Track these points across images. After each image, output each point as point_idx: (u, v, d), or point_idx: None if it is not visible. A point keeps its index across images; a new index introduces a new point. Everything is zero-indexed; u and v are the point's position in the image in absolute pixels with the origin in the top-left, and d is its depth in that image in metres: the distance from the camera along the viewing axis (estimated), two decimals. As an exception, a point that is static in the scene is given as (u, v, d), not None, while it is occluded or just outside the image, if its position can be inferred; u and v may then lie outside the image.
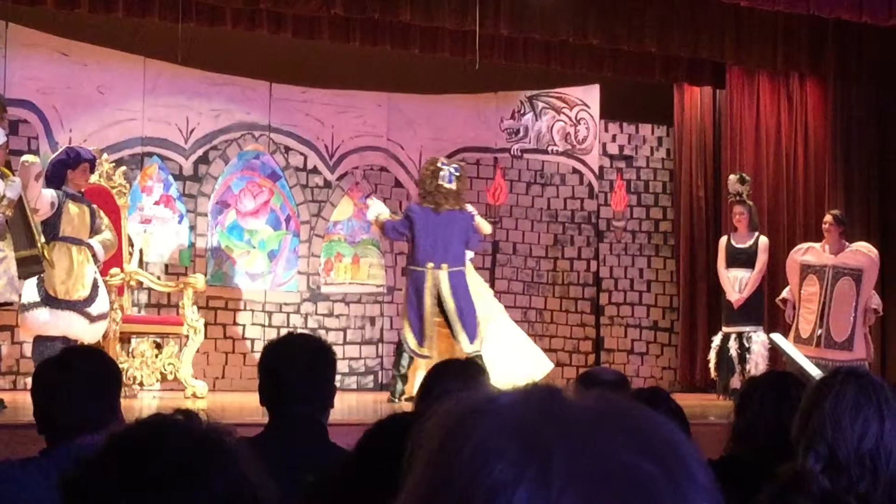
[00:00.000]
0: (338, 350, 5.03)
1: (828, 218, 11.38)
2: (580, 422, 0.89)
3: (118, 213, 10.45)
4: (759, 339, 11.39)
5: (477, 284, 10.81)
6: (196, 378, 10.59)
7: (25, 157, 9.00)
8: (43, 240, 8.86)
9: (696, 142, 13.72)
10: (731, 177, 11.93)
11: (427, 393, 3.96)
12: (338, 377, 4.00)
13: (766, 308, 11.84)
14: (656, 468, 0.87)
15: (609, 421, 0.90)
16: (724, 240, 11.87)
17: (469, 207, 10.48)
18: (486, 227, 10.78)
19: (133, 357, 10.16)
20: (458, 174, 10.28)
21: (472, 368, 4.18)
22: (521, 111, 13.59)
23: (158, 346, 10.34)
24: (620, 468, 0.87)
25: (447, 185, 10.23)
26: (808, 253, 11.31)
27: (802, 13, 11.66)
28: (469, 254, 10.62)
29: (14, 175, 8.47)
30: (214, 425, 1.56)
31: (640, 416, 0.92)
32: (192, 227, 12.12)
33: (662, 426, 0.92)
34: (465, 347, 10.03)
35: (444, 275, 10.14)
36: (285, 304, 12.50)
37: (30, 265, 8.57)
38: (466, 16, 11.23)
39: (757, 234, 11.70)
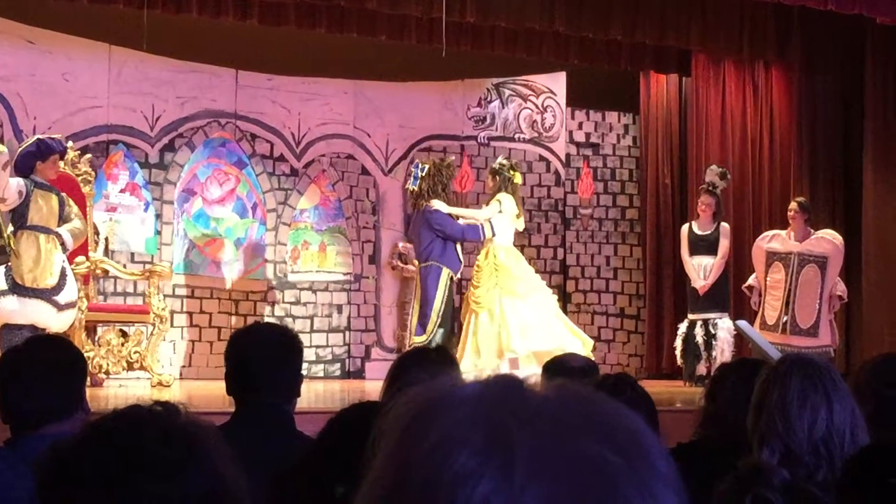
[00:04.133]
0: (305, 338, 5.01)
1: (793, 205, 11.44)
2: (543, 412, 0.90)
3: (83, 201, 10.40)
4: (724, 326, 11.45)
5: (509, 272, 10.88)
6: (162, 366, 10.55)
7: (-7, 147, 8.95)
8: (11, 229, 8.82)
9: (662, 129, 13.75)
10: (714, 168, 11.93)
11: (393, 382, 3.96)
12: (305, 365, 4.00)
13: (731, 295, 11.90)
14: (618, 458, 0.88)
15: (571, 411, 0.91)
16: (685, 227, 11.91)
17: (434, 203, 10.66)
18: (471, 212, 10.94)
19: (99, 346, 10.12)
20: (423, 173, 10.68)
21: (440, 358, 4.18)
22: (488, 99, 13.59)
23: (124, 335, 10.30)
24: (583, 458, 0.87)
25: (411, 188, 10.91)
26: (773, 240, 11.37)
27: (768, 1, 11.70)
28: (498, 237, 10.85)
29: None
30: (192, 419, 1.54)
31: (602, 406, 0.92)
32: (158, 216, 12.07)
33: (624, 416, 0.92)
34: (412, 337, 10.72)
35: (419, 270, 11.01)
36: (252, 292, 12.47)
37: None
38: (433, 3, 11.21)
39: (719, 221, 11.75)
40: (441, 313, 10.66)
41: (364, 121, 12.99)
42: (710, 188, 11.71)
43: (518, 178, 11.08)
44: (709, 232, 11.63)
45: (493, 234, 10.84)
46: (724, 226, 11.72)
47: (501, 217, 10.86)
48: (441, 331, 10.62)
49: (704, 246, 11.60)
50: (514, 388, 0.92)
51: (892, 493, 2.31)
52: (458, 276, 11.04)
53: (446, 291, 10.69)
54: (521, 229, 11.34)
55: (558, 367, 4.43)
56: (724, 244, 11.60)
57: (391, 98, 13.09)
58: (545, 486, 0.85)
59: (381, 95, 13.06)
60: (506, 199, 10.86)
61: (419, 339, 10.51)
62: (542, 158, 13.66)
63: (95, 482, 1.45)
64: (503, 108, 13.59)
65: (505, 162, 11.11)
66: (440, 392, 0.93)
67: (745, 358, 6.13)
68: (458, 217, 10.96)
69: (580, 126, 13.97)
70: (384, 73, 13.03)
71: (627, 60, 13.39)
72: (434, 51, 11.81)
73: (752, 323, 10.93)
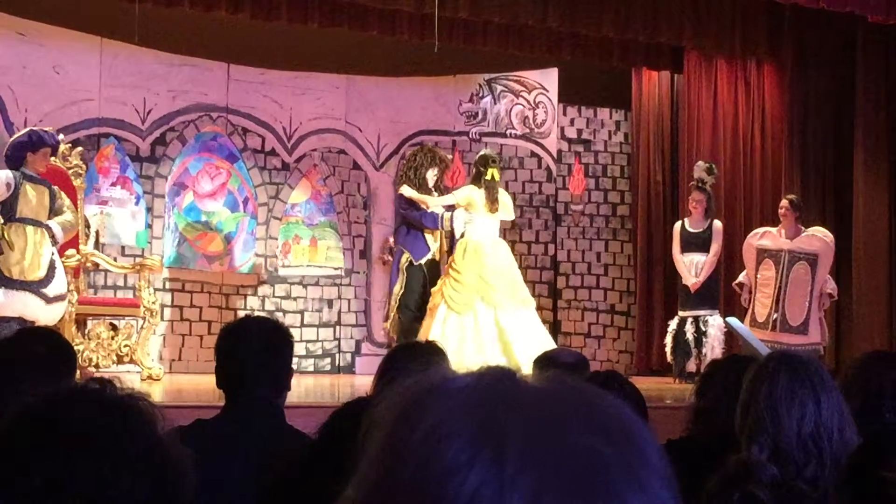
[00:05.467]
0: (295, 333, 4.99)
1: (784, 203, 11.44)
2: (535, 404, 0.89)
3: (74, 194, 10.38)
4: (715, 323, 11.44)
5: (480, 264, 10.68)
6: (152, 360, 10.53)
7: (-20, 139, 8.94)
8: (0, 221, 8.80)
9: (653, 126, 13.75)
10: (700, 163, 11.90)
11: (384, 375, 3.96)
12: (295, 360, 3.99)
13: (722, 292, 11.90)
14: (610, 450, 0.88)
15: (563, 403, 0.90)
16: (678, 225, 11.90)
17: (403, 189, 10.90)
18: (422, 198, 10.84)
19: (89, 339, 10.11)
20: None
21: (431, 350, 4.18)
22: (480, 94, 13.58)
23: (114, 328, 10.29)
24: (574, 451, 0.87)
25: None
26: (764, 237, 11.37)
27: (760, -2, 11.71)
28: (458, 229, 10.70)
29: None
30: (128, 391, 1.55)
31: (594, 399, 0.92)
32: (149, 209, 12.06)
33: (617, 409, 0.92)
34: (383, 323, 11.09)
35: None
36: (242, 286, 12.47)
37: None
38: (425, -2, 11.21)
39: (711, 218, 11.74)
40: (401, 297, 10.63)
41: (356, 116, 12.98)
42: (700, 184, 11.70)
43: (493, 174, 10.58)
44: (701, 229, 11.63)
45: (452, 227, 10.69)
46: (717, 224, 11.69)
47: (471, 211, 10.57)
48: (405, 316, 10.57)
49: (697, 243, 11.59)
50: (507, 379, 0.92)
51: (887, 488, 2.31)
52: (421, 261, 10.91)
53: (404, 276, 10.61)
54: (508, 219, 11.03)
55: (549, 361, 4.43)
56: (716, 242, 11.59)
57: (383, 93, 13.08)
58: (536, 477, 0.85)
59: (373, 90, 13.06)
60: (465, 192, 10.69)
61: (386, 325, 10.72)
62: (533, 154, 13.66)
63: (32, 461, 1.44)
64: (495, 103, 13.59)
65: (485, 155, 10.80)
66: (432, 383, 0.92)
67: (736, 355, 6.13)
68: (419, 202, 10.89)
69: (572, 122, 13.97)
70: (376, 68, 13.02)
71: (620, 57, 13.38)
72: (426, 46, 11.79)
73: (742, 320, 10.94)
